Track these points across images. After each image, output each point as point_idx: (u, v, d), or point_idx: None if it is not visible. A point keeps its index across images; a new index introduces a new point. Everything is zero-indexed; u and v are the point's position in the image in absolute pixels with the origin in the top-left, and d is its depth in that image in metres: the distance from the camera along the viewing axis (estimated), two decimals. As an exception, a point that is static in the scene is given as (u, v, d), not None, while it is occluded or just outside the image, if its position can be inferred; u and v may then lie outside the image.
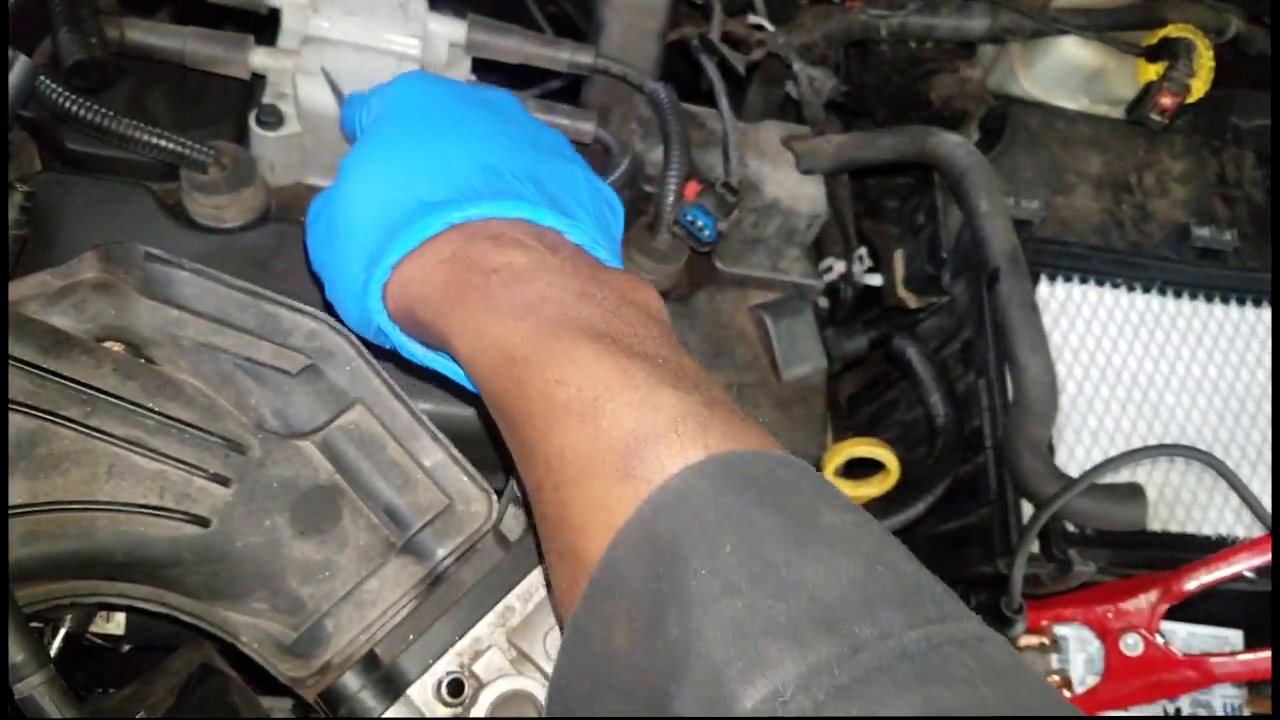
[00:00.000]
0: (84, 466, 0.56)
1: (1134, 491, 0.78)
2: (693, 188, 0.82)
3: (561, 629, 0.43)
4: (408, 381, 0.65)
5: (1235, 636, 0.85)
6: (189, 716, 0.63)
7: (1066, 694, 0.81)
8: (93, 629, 0.70)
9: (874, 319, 0.98)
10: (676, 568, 0.38)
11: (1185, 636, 0.84)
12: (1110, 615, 0.81)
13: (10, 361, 0.56)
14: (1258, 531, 0.84)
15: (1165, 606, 0.81)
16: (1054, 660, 0.82)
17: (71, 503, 0.55)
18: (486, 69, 0.84)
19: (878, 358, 1.00)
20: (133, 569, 0.57)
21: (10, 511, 0.54)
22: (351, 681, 0.58)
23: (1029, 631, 0.82)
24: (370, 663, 0.58)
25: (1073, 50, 1.01)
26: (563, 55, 0.84)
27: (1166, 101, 0.97)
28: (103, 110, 0.67)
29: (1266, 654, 0.81)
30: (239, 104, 0.79)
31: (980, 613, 0.40)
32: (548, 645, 0.60)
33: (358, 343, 0.63)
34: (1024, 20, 0.99)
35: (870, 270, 1.02)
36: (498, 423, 0.50)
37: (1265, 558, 0.79)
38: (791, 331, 0.86)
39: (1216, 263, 0.95)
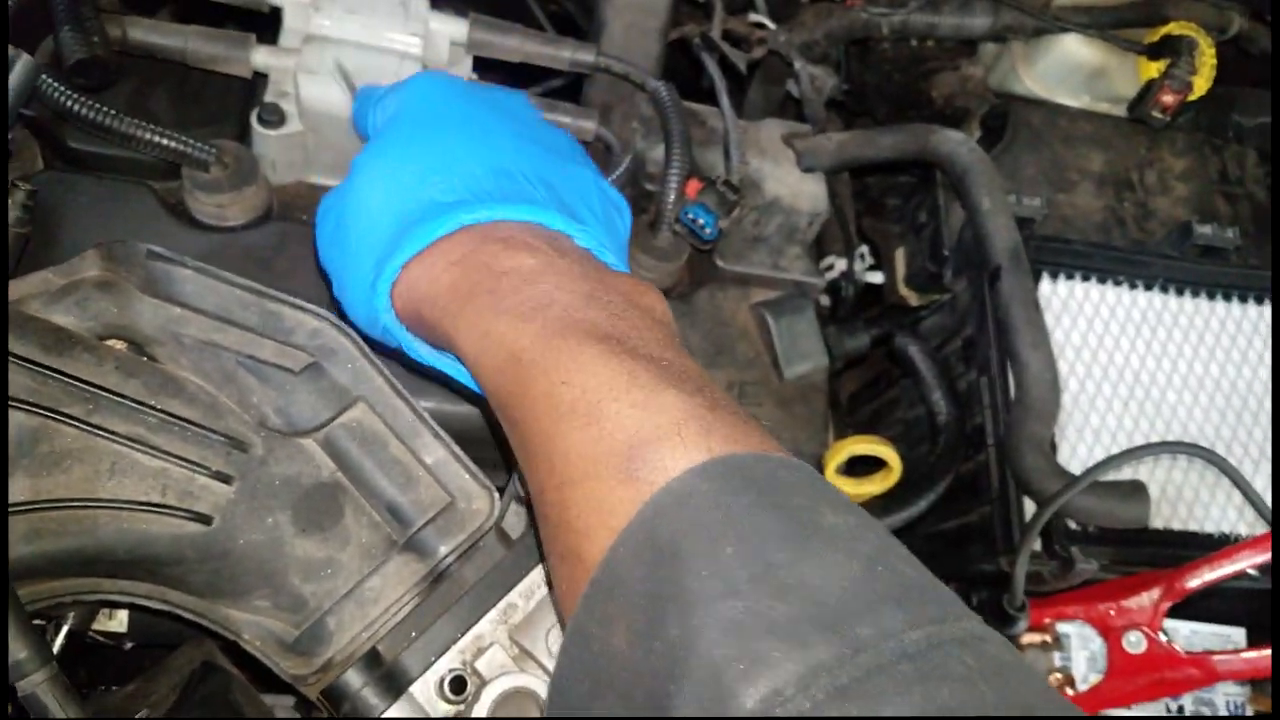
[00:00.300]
0: (86, 464, 0.56)
1: (1136, 489, 0.78)
2: (694, 186, 0.82)
3: (563, 629, 0.43)
4: (410, 379, 0.65)
5: (1238, 634, 0.85)
6: (191, 714, 0.64)
7: (1069, 692, 0.81)
8: (95, 626, 0.70)
9: (875, 317, 0.98)
10: (677, 568, 0.38)
11: (1188, 634, 0.84)
12: (1113, 613, 0.81)
13: (12, 359, 0.56)
14: (1260, 529, 0.84)
15: (1168, 604, 0.80)
16: (1056, 658, 0.82)
17: (74, 500, 0.55)
18: (488, 67, 0.84)
19: (879, 356, 1.00)
20: (135, 566, 0.58)
21: (12, 509, 0.54)
22: (354, 679, 0.58)
23: (1031, 629, 0.81)
24: (372, 660, 0.59)
25: (1074, 48, 1.01)
26: (564, 54, 0.84)
27: (1168, 99, 0.97)
28: (105, 109, 0.67)
29: (1269, 652, 0.81)
30: (241, 103, 0.79)
31: (982, 611, 0.40)
32: (550, 643, 0.60)
33: (360, 340, 0.63)
34: (1026, 18, 0.99)
35: (872, 268, 1.02)
36: (502, 424, 0.50)
37: (1267, 555, 0.79)
38: (793, 329, 0.86)
39: (1218, 260, 0.95)
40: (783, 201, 0.89)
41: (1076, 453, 0.85)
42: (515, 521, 0.63)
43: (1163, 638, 0.81)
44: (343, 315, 0.60)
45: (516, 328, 0.47)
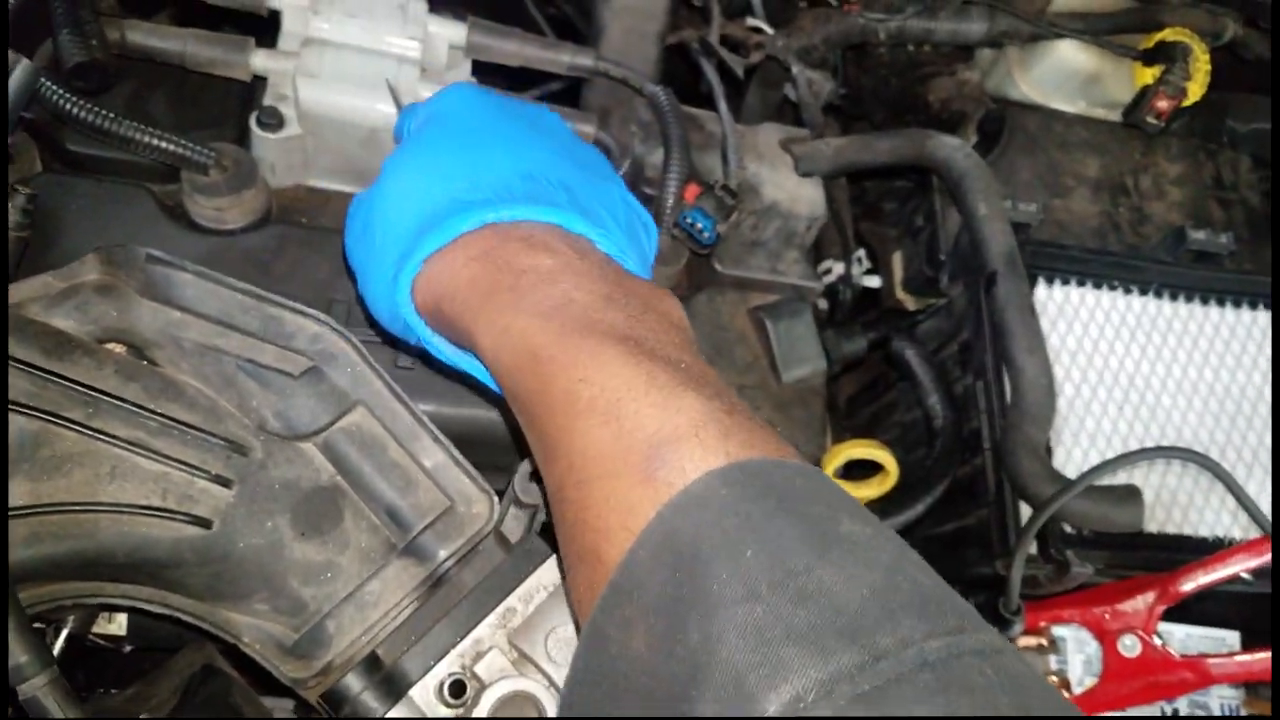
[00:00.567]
0: (86, 468, 0.56)
1: (1131, 493, 0.79)
2: (692, 190, 0.82)
3: (578, 631, 0.43)
4: (410, 383, 0.65)
5: (1232, 638, 0.85)
6: (191, 717, 0.64)
7: (1065, 695, 0.81)
8: (95, 630, 0.70)
9: (873, 321, 0.98)
10: (697, 572, 0.38)
11: (1183, 638, 0.84)
12: (1108, 616, 0.81)
13: (12, 363, 0.56)
14: (1254, 533, 0.85)
15: (1163, 608, 0.81)
16: (1052, 661, 0.82)
17: (74, 504, 0.55)
18: (486, 71, 0.84)
19: (876, 359, 1.00)
20: (135, 570, 0.58)
21: (13, 513, 0.54)
22: (353, 682, 0.58)
23: (1027, 632, 0.82)
24: (372, 664, 0.59)
25: (1070, 54, 1.01)
26: (563, 58, 0.84)
27: (1163, 105, 0.98)
28: (104, 112, 0.68)
29: (1263, 655, 0.81)
30: (240, 106, 0.79)
31: (978, 613, 0.40)
32: (549, 646, 0.60)
33: (360, 345, 0.63)
34: (1021, 24, 0.99)
35: (869, 272, 1.02)
36: (520, 421, 0.50)
37: (1262, 559, 0.80)
38: (791, 333, 0.86)
39: (1212, 266, 0.96)
40: (780, 206, 0.89)
41: (1072, 457, 0.85)
42: (514, 525, 0.63)
43: (1158, 641, 0.81)
44: (367, 314, 0.61)
45: (536, 325, 0.47)
